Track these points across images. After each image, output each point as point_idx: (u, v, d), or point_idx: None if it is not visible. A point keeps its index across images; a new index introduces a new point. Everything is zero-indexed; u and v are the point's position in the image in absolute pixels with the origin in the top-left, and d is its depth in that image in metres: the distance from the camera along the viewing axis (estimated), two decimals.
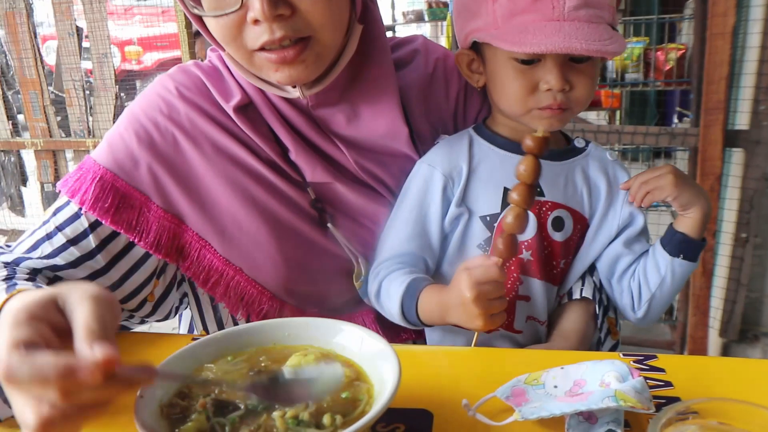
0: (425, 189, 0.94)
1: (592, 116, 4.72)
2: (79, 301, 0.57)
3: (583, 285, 0.96)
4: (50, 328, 0.56)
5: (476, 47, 0.94)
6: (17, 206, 3.47)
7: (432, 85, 1.04)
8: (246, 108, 0.96)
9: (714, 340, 2.27)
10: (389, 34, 7.08)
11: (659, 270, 0.93)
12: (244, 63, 0.88)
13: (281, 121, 0.95)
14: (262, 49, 0.83)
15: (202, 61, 1.03)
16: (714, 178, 2.04)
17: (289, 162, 0.96)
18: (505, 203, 0.92)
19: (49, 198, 3.36)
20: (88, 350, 0.52)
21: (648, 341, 2.53)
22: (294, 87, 0.90)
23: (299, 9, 0.81)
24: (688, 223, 0.92)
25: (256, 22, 0.80)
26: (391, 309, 0.91)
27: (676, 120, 3.93)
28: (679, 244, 0.92)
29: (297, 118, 0.95)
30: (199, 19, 0.87)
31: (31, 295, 0.60)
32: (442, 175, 0.93)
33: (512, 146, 0.95)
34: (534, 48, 0.82)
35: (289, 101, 0.94)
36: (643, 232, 0.98)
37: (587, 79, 0.87)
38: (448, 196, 0.94)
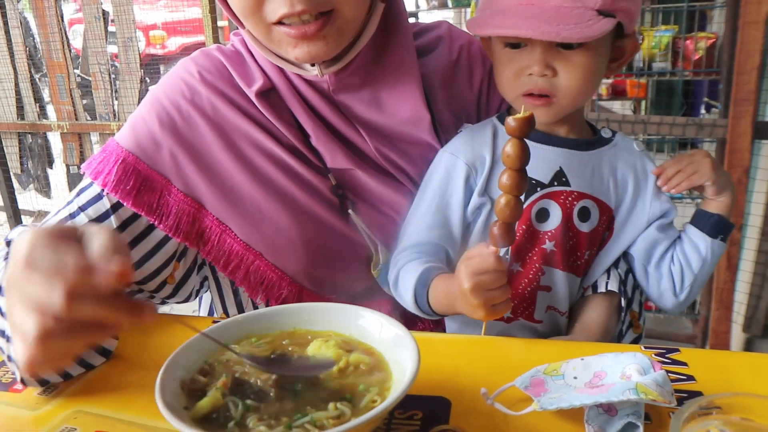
0: (448, 178, 0.93)
1: (616, 106, 4.66)
2: (96, 233, 0.58)
3: (608, 278, 0.95)
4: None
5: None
6: (44, 188, 3.52)
7: (456, 72, 1.03)
8: (268, 93, 0.95)
9: (737, 334, 2.24)
10: (412, 20, 7.04)
11: (700, 252, 0.94)
12: (262, 38, 0.88)
13: (303, 106, 0.95)
14: (281, 23, 0.82)
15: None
16: (742, 170, 2.00)
17: (311, 147, 0.96)
18: (529, 193, 0.91)
19: (74, 180, 3.40)
20: (105, 260, 0.53)
21: (669, 335, 2.50)
22: (313, 66, 0.89)
23: None
24: (721, 207, 0.94)
25: None
26: (406, 297, 0.91)
27: (703, 111, 3.86)
28: (716, 226, 0.93)
29: (319, 103, 0.94)
30: None
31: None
32: (465, 164, 0.92)
33: (536, 136, 0.93)
34: (486, 30, 0.85)
35: (312, 86, 0.94)
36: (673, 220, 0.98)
37: (576, 67, 0.85)
38: (471, 186, 0.93)
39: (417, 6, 6.66)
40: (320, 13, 0.82)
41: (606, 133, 0.97)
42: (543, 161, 0.91)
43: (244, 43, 0.97)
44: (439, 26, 1.08)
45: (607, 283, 0.95)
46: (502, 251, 0.83)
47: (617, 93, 3.82)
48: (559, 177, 0.91)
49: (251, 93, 0.94)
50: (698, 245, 0.94)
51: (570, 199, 0.91)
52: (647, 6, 3.68)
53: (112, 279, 0.52)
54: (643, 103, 4.46)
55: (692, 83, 3.34)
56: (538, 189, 0.91)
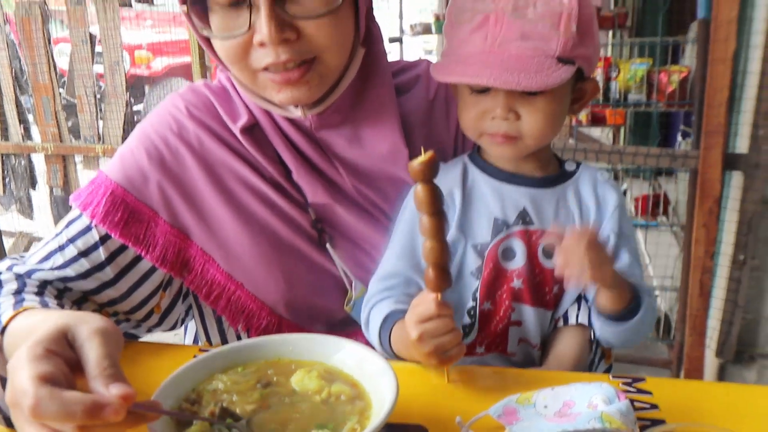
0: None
1: (596, 132, 4.76)
2: (88, 337, 0.61)
3: (578, 310, 0.97)
4: (65, 363, 0.60)
5: None
6: (26, 209, 3.51)
7: (433, 111, 1.07)
8: (252, 129, 0.99)
9: (710, 360, 2.29)
10: (396, 45, 7.13)
11: (607, 335, 0.92)
12: (248, 83, 0.92)
13: (285, 143, 0.98)
14: (266, 69, 0.87)
15: (214, 68, 1.06)
16: (713, 200, 2.06)
17: (292, 182, 1.00)
18: (494, 232, 0.93)
19: (57, 202, 3.40)
20: (105, 390, 0.56)
21: (644, 360, 2.55)
22: (296, 107, 0.93)
23: (304, 33, 0.84)
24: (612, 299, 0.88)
25: (262, 44, 0.84)
26: (374, 342, 0.92)
27: (680, 138, 3.96)
28: (615, 316, 0.89)
29: (300, 140, 0.98)
30: (206, 39, 0.91)
31: (42, 326, 0.63)
32: None
33: (502, 175, 0.96)
34: (450, 77, 0.87)
35: (294, 123, 0.98)
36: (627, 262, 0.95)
37: (537, 111, 0.87)
38: None
39: (401, 31, 6.76)
40: (303, 61, 0.86)
41: (570, 166, 0.99)
42: (508, 201, 0.94)
43: (231, 80, 1.01)
44: (419, 65, 1.12)
45: (577, 315, 0.96)
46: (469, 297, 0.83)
47: (596, 120, 3.90)
48: (524, 216, 0.94)
49: (236, 129, 0.98)
50: (604, 330, 0.91)
51: (534, 237, 0.93)
52: (624, 40, 3.80)
53: (118, 412, 0.55)
54: (622, 129, 4.57)
55: (668, 113, 3.44)
56: (504, 229, 0.93)
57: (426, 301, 0.77)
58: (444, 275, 0.77)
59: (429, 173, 0.73)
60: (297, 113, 0.94)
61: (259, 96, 0.94)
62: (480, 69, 0.84)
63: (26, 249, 3.69)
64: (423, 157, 0.73)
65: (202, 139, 0.98)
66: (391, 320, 0.89)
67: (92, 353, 0.59)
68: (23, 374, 0.56)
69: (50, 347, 0.60)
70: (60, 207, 3.47)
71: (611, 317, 0.89)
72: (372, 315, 0.93)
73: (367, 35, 0.97)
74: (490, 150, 0.94)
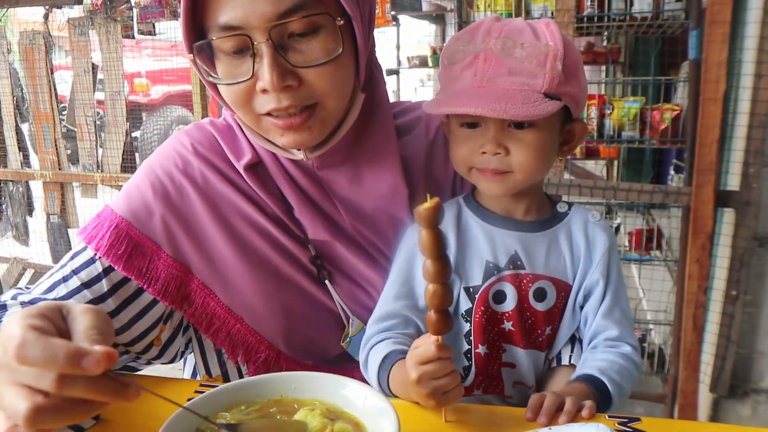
0: (414, 252, 0.96)
1: (590, 165, 4.81)
2: (82, 312, 0.64)
3: (572, 351, 0.97)
4: (56, 330, 0.62)
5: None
6: (22, 236, 3.52)
7: (432, 152, 1.09)
8: (255, 166, 1.01)
9: (704, 395, 2.30)
10: (393, 77, 7.25)
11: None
12: (252, 125, 0.94)
13: (288, 180, 1.01)
14: (269, 114, 0.90)
15: (212, 98, 1.09)
16: (705, 236, 2.09)
17: (293, 219, 1.02)
18: (486, 276, 0.94)
19: (54, 229, 3.41)
20: (89, 347, 0.58)
21: (640, 394, 2.55)
22: (298, 150, 0.96)
23: (305, 80, 0.87)
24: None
25: (264, 91, 0.87)
26: (372, 382, 0.92)
27: (672, 172, 4.01)
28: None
29: (302, 179, 1.00)
30: (212, 84, 0.93)
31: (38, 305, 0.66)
32: None
33: (493, 218, 0.97)
34: (443, 108, 0.90)
35: (296, 162, 1.00)
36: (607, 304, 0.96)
37: (526, 146, 0.90)
38: None
39: (399, 63, 6.87)
40: (305, 106, 0.89)
41: (562, 208, 1.01)
42: (500, 245, 0.95)
43: (235, 119, 1.04)
44: (419, 107, 1.15)
45: (570, 356, 0.97)
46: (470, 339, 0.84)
47: (591, 153, 3.95)
48: (515, 260, 0.95)
49: (240, 166, 1.00)
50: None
51: (525, 281, 0.94)
52: (618, 78, 3.87)
53: (101, 362, 0.57)
54: (616, 162, 4.63)
55: (661, 150, 3.50)
56: (495, 273, 0.94)
57: (426, 344, 0.78)
58: (446, 319, 0.78)
59: (434, 219, 0.74)
60: (299, 155, 0.96)
61: (262, 138, 0.96)
62: (469, 100, 0.87)
63: (20, 275, 3.69)
64: (429, 203, 0.73)
65: (206, 176, 1.01)
66: (389, 361, 0.90)
67: (82, 324, 0.62)
68: (14, 325, 0.59)
69: (43, 312, 0.63)
70: (56, 234, 3.48)
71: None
72: (371, 356, 0.94)
73: (369, 79, 1.00)
74: (480, 185, 0.96)
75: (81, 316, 0.63)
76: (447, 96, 0.91)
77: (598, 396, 0.87)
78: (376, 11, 2.80)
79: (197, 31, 0.90)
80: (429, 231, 0.74)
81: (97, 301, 0.97)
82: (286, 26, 0.85)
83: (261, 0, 0.83)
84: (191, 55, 0.90)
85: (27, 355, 0.57)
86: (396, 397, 0.90)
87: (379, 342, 0.94)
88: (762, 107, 1.98)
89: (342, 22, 0.87)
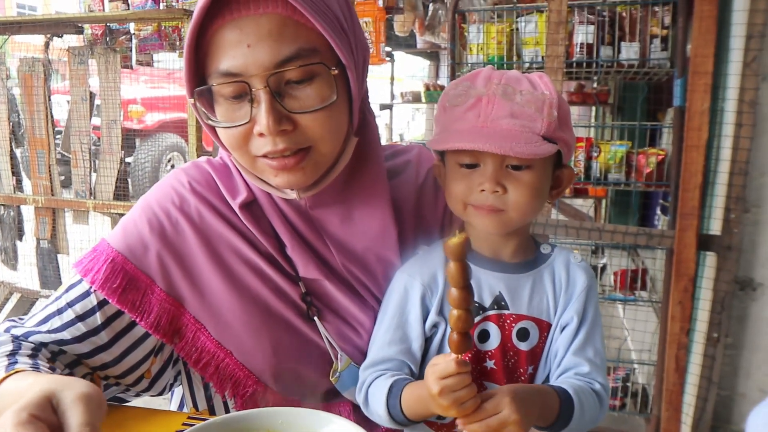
0: (405, 298, 1.00)
1: (579, 202, 4.88)
2: (72, 403, 0.65)
3: None
4: (48, 428, 0.63)
5: (443, 159, 1.03)
6: (11, 260, 3.51)
7: (422, 194, 1.12)
8: (250, 205, 1.04)
9: None
10: (387, 112, 7.35)
11: None
12: (247, 166, 0.98)
13: (282, 219, 1.04)
14: (264, 156, 0.93)
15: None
16: (688, 279, 2.14)
17: (285, 256, 1.04)
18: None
19: (43, 254, 3.41)
20: None
21: None
22: (292, 190, 0.99)
23: (300, 124, 0.91)
24: None
25: (261, 135, 0.91)
26: (379, 412, 0.96)
27: (659, 212, 4.08)
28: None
29: (295, 218, 1.04)
30: (210, 126, 0.97)
31: (28, 390, 0.68)
32: (420, 285, 0.99)
33: (480, 260, 1.01)
34: (449, 144, 0.93)
35: (290, 202, 1.03)
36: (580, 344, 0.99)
37: (523, 186, 0.94)
38: (427, 305, 0.99)
39: (392, 98, 6.96)
40: (299, 149, 0.93)
41: (545, 249, 1.05)
42: (485, 286, 0.99)
43: (232, 159, 1.07)
44: (411, 150, 1.19)
45: None
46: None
47: (579, 192, 4.02)
48: (499, 301, 0.98)
49: (235, 205, 1.03)
50: None
51: (508, 321, 0.98)
52: (607, 121, 3.96)
53: None
54: (603, 201, 4.70)
55: (648, 192, 3.57)
56: (480, 312, 0.98)
57: (447, 361, 0.84)
58: (467, 340, 0.85)
59: (461, 253, 0.81)
60: (292, 195, 1.00)
61: (257, 178, 1.00)
62: (476, 138, 0.91)
63: (6, 299, 3.67)
64: (457, 238, 0.81)
65: (202, 213, 1.04)
66: (398, 387, 0.94)
67: (74, 419, 0.63)
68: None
69: (34, 412, 0.64)
70: (45, 259, 3.48)
71: (546, 428, 0.94)
72: (372, 391, 0.97)
73: (362, 124, 1.04)
74: (476, 221, 0.98)
75: (72, 409, 0.64)
76: (450, 134, 0.95)
77: (562, 410, 0.91)
78: (371, 51, 2.87)
79: (198, 77, 0.94)
80: (457, 263, 0.81)
81: (90, 334, 0.99)
82: (283, 74, 0.89)
83: (260, 50, 0.88)
84: (192, 99, 0.94)
85: None
86: (405, 420, 0.94)
87: (376, 379, 0.97)
88: (742, 155, 2.04)
89: (337, 71, 0.91)
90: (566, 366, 0.98)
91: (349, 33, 0.95)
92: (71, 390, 0.66)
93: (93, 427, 0.63)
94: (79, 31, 3.20)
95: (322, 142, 0.94)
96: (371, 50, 2.79)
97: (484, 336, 0.98)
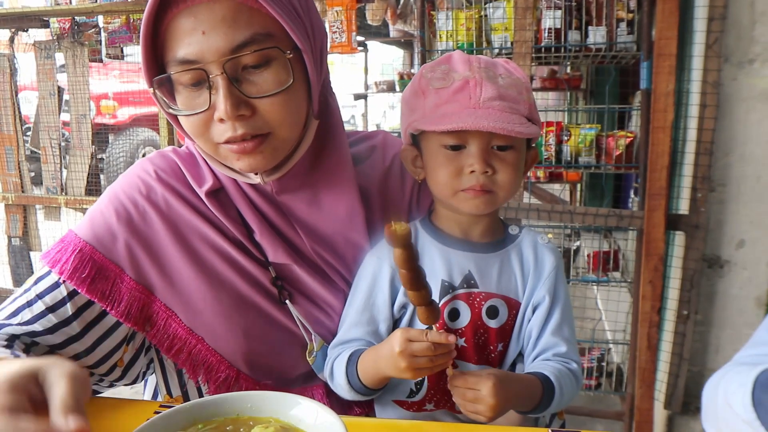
0: (374, 280, 1.02)
1: (556, 187, 4.93)
2: (57, 378, 0.66)
3: (524, 365, 1.02)
4: (28, 399, 0.64)
5: (416, 142, 1.04)
6: None
7: (389, 178, 1.14)
8: (217, 192, 1.05)
9: (659, 411, 2.37)
10: (361, 102, 7.34)
11: None
12: (211, 153, 0.99)
13: (249, 205, 1.04)
14: (226, 142, 0.94)
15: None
16: (658, 258, 2.18)
17: (254, 242, 1.05)
18: (441, 294, 1.00)
19: (15, 251, 3.37)
20: (63, 421, 0.61)
21: (599, 412, 2.62)
22: (256, 174, 1.00)
23: (259, 109, 0.92)
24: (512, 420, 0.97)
25: (221, 120, 0.91)
26: (340, 381, 0.98)
27: (632, 194, 4.14)
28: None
29: (263, 203, 1.04)
30: (172, 115, 0.98)
31: (12, 366, 0.68)
32: (389, 267, 1.01)
33: (450, 241, 1.03)
34: (450, 125, 0.94)
35: (256, 188, 1.04)
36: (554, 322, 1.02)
37: (508, 166, 0.98)
38: (396, 286, 1.02)
39: (366, 88, 6.95)
40: (258, 134, 0.94)
41: (513, 230, 1.07)
42: (455, 265, 1.01)
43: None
44: (375, 136, 1.20)
45: (523, 371, 1.02)
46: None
47: (555, 176, 4.06)
48: (468, 280, 1.01)
49: (202, 192, 1.04)
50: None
51: (478, 300, 1.00)
52: (577, 106, 4.00)
53: None
54: (579, 186, 4.76)
55: (621, 175, 3.62)
56: (450, 291, 1.00)
57: (421, 330, 0.89)
58: (432, 311, 0.89)
59: (399, 241, 0.83)
60: (256, 180, 1.00)
61: (222, 165, 1.01)
62: (474, 119, 0.93)
63: None
64: (398, 226, 0.83)
65: (169, 201, 1.04)
66: (356, 356, 0.97)
67: (59, 391, 0.65)
68: None
69: (17, 383, 0.65)
70: (17, 257, 3.44)
71: (525, 412, 0.97)
72: (335, 364, 1.00)
73: (324, 107, 1.04)
74: (467, 205, 0.99)
75: (57, 383, 0.66)
76: (443, 116, 0.96)
77: (544, 396, 0.95)
78: (343, 40, 2.87)
79: (157, 66, 0.94)
80: (397, 251, 0.84)
81: (61, 325, 0.99)
82: (239, 59, 0.90)
83: (215, 36, 0.88)
84: (152, 89, 0.94)
85: None
86: (363, 388, 0.97)
87: (341, 353, 1.00)
88: (707, 135, 2.08)
89: (292, 55, 0.92)
90: (544, 346, 1.00)
91: (304, 18, 0.95)
92: (57, 368, 0.67)
93: (77, 399, 0.64)
94: (45, 24, 3.15)
95: (281, 127, 0.95)
96: (343, 39, 2.79)
97: (455, 314, 1.00)
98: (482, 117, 0.93)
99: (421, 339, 0.88)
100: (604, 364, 2.77)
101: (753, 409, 0.77)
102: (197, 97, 0.93)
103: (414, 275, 0.86)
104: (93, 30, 3.15)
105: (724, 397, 0.83)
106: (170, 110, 0.96)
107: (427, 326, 0.92)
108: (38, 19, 3.09)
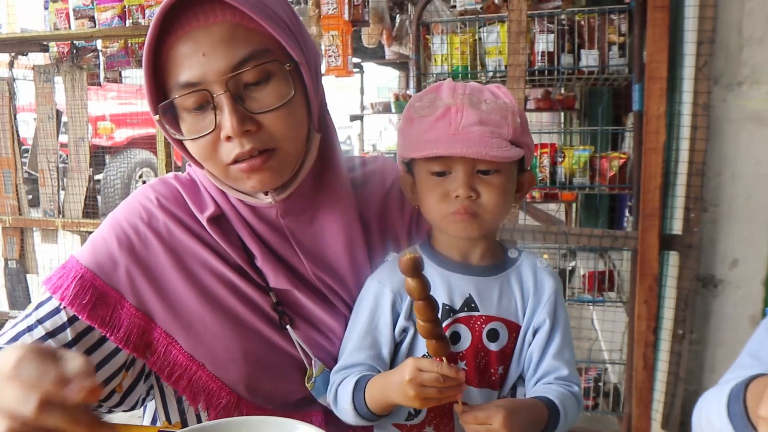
0: (376, 304, 1.03)
1: (551, 207, 4.97)
2: (74, 355, 0.69)
3: (525, 388, 1.03)
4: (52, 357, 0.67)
5: (410, 170, 1.06)
6: None
7: (388, 203, 1.16)
8: (218, 218, 1.06)
9: (657, 431, 2.37)
10: (357, 123, 7.39)
11: None
12: (221, 176, 1.00)
13: (249, 231, 1.06)
14: (235, 162, 0.96)
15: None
16: (652, 278, 2.19)
17: (255, 267, 1.06)
18: (443, 317, 1.00)
19: (11, 274, 3.36)
20: (79, 378, 0.64)
21: None
22: (265, 194, 1.02)
23: (264, 125, 0.95)
24: None
25: (228, 138, 0.93)
26: (345, 407, 0.99)
27: (627, 214, 4.17)
28: None
29: (264, 229, 1.06)
30: (179, 142, 0.99)
31: (26, 341, 0.73)
32: (390, 291, 1.03)
33: (449, 264, 1.05)
34: (426, 152, 0.97)
35: (257, 213, 1.05)
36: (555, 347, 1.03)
37: (493, 189, 0.99)
38: (397, 310, 1.03)
39: (362, 109, 7.00)
40: (265, 149, 0.96)
41: (513, 254, 1.09)
42: (455, 289, 1.03)
43: (199, 173, 1.09)
44: (374, 161, 1.22)
45: (524, 393, 1.03)
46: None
47: (550, 196, 4.08)
48: (469, 303, 1.02)
49: (203, 218, 1.05)
50: None
51: (479, 323, 1.01)
52: (574, 126, 4.05)
53: (82, 393, 0.63)
54: (574, 205, 4.79)
55: (616, 195, 3.65)
56: (450, 315, 1.01)
57: (435, 361, 0.89)
58: (443, 344, 0.90)
59: (413, 269, 0.85)
60: (267, 199, 1.02)
61: (231, 188, 1.02)
62: (450, 145, 0.95)
63: None
64: (408, 255, 0.85)
65: (170, 228, 1.05)
66: (363, 381, 0.98)
67: (74, 363, 0.67)
68: (16, 348, 0.66)
69: (38, 348, 0.69)
70: (14, 279, 3.43)
71: None
72: (340, 389, 1.01)
73: (323, 124, 1.06)
74: (454, 229, 1.02)
75: (72, 358, 0.68)
76: (423, 143, 0.99)
77: (550, 420, 0.96)
78: (339, 64, 2.91)
79: (160, 94, 0.96)
80: (410, 281, 0.86)
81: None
82: (240, 77, 0.93)
83: (215, 56, 0.91)
84: (156, 116, 0.96)
85: (18, 372, 0.63)
86: (369, 414, 0.98)
87: (344, 379, 1.01)
88: (699, 156, 2.11)
89: (290, 67, 0.95)
90: (546, 370, 1.01)
91: (297, 34, 0.99)
92: (73, 352, 0.70)
93: (89, 369, 0.66)
94: (45, 49, 3.18)
95: (285, 140, 0.97)
96: (339, 63, 2.82)
97: (456, 338, 1.01)
98: (459, 142, 0.95)
99: (432, 370, 0.88)
100: (601, 384, 2.77)
101: (729, 421, 0.80)
102: (202, 120, 0.95)
103: (428, 305, 0.87)
104: (92, 54, 3.18)
105: (706, 415, 0.86)
106: (176, 137, 0.98)
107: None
108: (38, 44, 3.12)
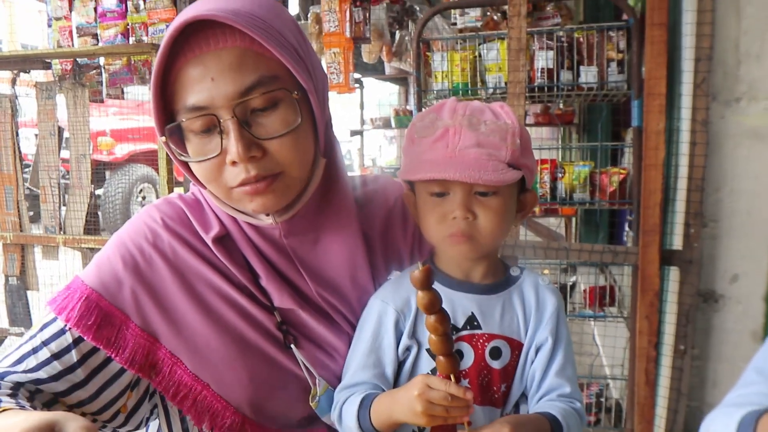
0: (379, 323, 1.04)
1: (552, 221, 4.98)
2: (74, 422, 0.69)
3: (528, 405, 1.04)
4: None
5: (412, 189, 1.08)
6: None
7: (391, 222, 1.16)
8: (223, 239, 1.07)
9: None
10: (357, 138, 7.42)
11: None
12: (224, 198, 1.01)
13: (254, 251, 1.06)
14: (239, 185, 0.96)
15: None
16: (653, 293, 2.20)
17: (259, 287, 1.07)
18: None
19: (12, 291, 3.36)
20: None
21: None
22: (267, 216, 1.02)
23: (269, 150, 0.95)
24: None
25: (233, 163, 0.94)
26: (350, 425, 0.99)
27: (627, 228, 4.17)
28: None
29: (268, 249, 1.07)
30: (183, 163, 1.00)
31: (31, 417, 0.70)
32: (394, 310, 1.03)
33: (452, 283, 1.05)
34: (421, 175, 0.98)
35: (262, 233, 1.06)
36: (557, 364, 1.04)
37: (491, 211, 1.00)
38: (400, 329, 1.03)
39: (362, 124, 7.02)
40: (270, 174, 0.96)
41: (515, 272, 1.10)
42: (458, 307, 1.03)
43: (203, 194, 1.10)
44: (376, 180, 1.23)
45: (527, 411, 1.03)
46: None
47: (550, 211, 4.09)
48: (471, 321, 1.02)
49: (208, 239, 1.06)
50: None
51: (481, 341, 1.02)
52: (573, 141, 4.07)
53: None
54: (574, 220, 4.80)
55: (616, 210, 3.67)
56: (453, 333, 1.01)
57: (446, 381, 0.90)
58: (452, 361, 0.91)
59: (425, 281, 0.88)
60: (268, 221, 1.03)
61: (234, 209, 1.03)
62: (445, 168, 0.96)
63: None
64: (419, 269, 0.87)
65: (175, 248, 1.06)
66: (368, 399, 0.98)
67: None
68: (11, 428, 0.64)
69: (38, 427, 0.68)
70: (14, 296, 3.43)
71: None
72: (345, 407, 1.01)
73: (328, 146, 1.07)
74: (450, 250, 1.03)
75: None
76: (421, 165, 1.00)
77: None
78: (340, 80, 2.93)
79: (167, 116, 0.97)
80: (422, 293, 0.88)
81: (66, 372, 1.00)
82: (248, 103, 0.93)
83: (223, 81, 0.92)
84: (163, 138, 0.97)
85: None
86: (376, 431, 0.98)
87: (349, 397, 1.01)
88: (698, 172, 2.12)
89: (298, 95, 0.96)
90: (549, 387, 1.02)
91: (306, 60, 0.99)
92: (74, 422, 0.70)
93: None
94: (47, 66, 3.21)
95: (291, 166, 0.98)
96: (340, 80, 2.84)
97: (459, 356, 1.01)
98: (454, 165, 0.96)
99: (441, 388, 0.89)
100: (602, 399, 2.77)
101: None
102: (208, 143, 0.96)
103: (441, 318, 0.88)
104: (95, 71, 3.21)
105: None
106: (182, 158, 0.99)
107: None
108: (41, 61, 3.14)
